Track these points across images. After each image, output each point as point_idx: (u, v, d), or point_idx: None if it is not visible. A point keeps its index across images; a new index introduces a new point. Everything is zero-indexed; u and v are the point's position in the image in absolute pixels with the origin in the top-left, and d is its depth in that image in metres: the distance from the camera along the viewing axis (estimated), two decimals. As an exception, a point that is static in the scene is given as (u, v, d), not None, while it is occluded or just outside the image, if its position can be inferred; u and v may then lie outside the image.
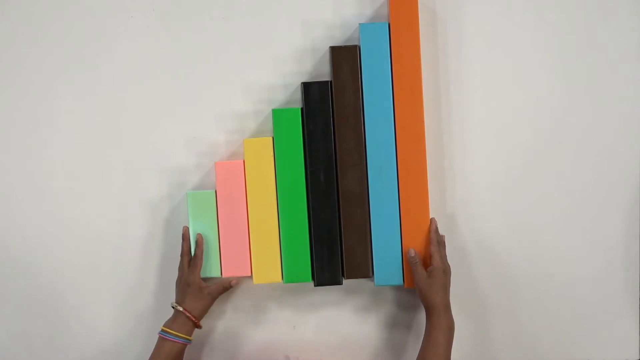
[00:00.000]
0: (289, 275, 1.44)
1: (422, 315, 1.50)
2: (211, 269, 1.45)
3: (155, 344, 1.40)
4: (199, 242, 1.43)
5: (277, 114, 1.43)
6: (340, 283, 1.44)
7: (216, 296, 1.44)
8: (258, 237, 1.44)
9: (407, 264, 1.43)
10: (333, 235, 1.43)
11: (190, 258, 1.44)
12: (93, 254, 1.52)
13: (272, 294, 1.52)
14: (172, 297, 1.47)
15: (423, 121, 1.42)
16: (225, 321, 1.52)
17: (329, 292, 1.51)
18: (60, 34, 1.48)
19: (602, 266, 1.52)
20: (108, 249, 1.51)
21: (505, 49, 1.48)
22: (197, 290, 1.42)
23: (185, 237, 1.45)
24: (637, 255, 1.51)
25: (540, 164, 1.50)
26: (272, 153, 1.43)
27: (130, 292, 1.52)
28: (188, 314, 1.40)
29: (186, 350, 1.47)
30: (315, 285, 1.44)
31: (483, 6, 1.47)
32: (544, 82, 1.49)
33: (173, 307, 1.42)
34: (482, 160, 1.49)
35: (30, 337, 1.54)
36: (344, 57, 1.41)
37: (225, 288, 1.45)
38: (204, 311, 1.43)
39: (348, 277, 1.44)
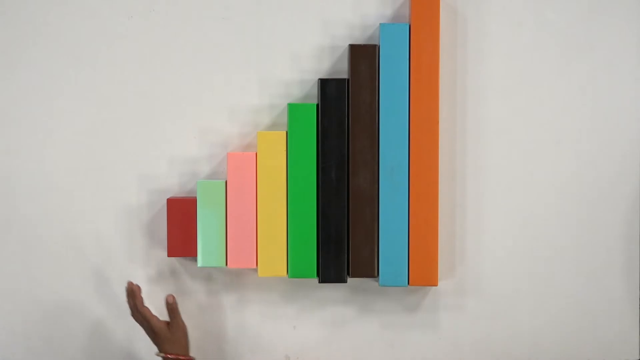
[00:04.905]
0: (294, 270, 1.44)
1: (424, 316, 1.51)
2: (216, 259, 1.45)
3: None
4: (135, 293, 1.40)
5: (293, 109, 1.43)
6: (345, 281, 1.45)
7: (181, 322, 1.42)
8: (265, 230, 1.44)
9: (412, 264, 1.43)
10: (341, 233, 1.44)
11: (138, 313, 1.41)
12: (98, 249, 1.52)
13: (275, 291, 1.52)
14: (180, 290, 1.50)
15: (437, 126, 1.42)
16: (224, 321, 1.52)
17: (332, 291, 1.51)
18: (61, 34, 1.48)
19: (602, 266, 1.52)
20: (116, 241, 1.51)
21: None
22: (164, 332, 1.39)
23: (129, 292, 1.40)
24: (637, 255, 1.52)
25: (541, 163, 1.50)
26: (285, 147, 1.43)
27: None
28: (173, 356, 1.39)
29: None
30: (320, 282, 1.44)
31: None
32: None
33: (159, 356, 1.40)
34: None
35: (30, 337, 1.53)
36: (363, 56, 1.42)
37: (171, 310, 1.41)
38: (186, 342, 1.42)
39: (353, 276, 1.45)
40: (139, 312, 1.40)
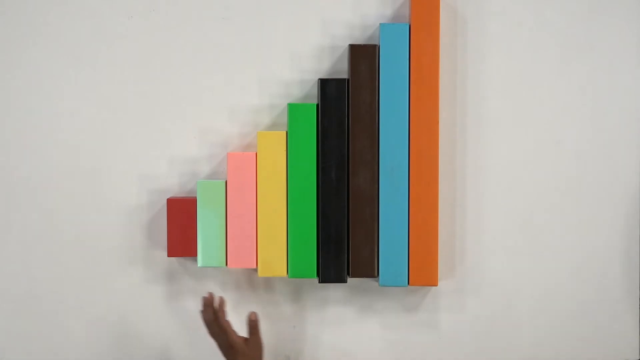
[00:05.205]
0: (294, 270, 1.44)
1: (424, 316, 1.51)
2: (216, 259, 1.45)
3: (159, 345, 1.43)
4: (221, 305, 1.39)
5: (293, 109, 1.43)
6: (345, 281, 1.45)
7: (260, 340, 1.41)
8: (265, 230, 1.44)
9: (412, 264, 1.43)
10: (341, 233, 1.44)
11: (216, 324, 1.39)
12: (98, 249, 1.51)
13: (275, 291, 1.52)
14: (180, 290, 1.50)
15: (437, 126, 1.42)
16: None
17: (332, 291, 1.51)
18: (61, 34, 1.49)
19: (602, 266, 1.52)
20: (116, 241, 1.51)
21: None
22: (242, 347, 1.38)
23: (209, 304, 1.38)
24: (637, 255, 1.52)
25: (541, 163, 1.51)
26: (285, 147, 1.43)
27: (135, 288, 1.52)
28: None
29: (184, 350, 1.47)
30: (320, 282, 1.44)
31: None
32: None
33: None
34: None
35: (30, 337, 1.53)
36: (363, 56, 1.42)
37: (253, 327, 1.41)
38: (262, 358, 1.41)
39: (353, 276, 1.45)
40: (218, 325, 1.38)
